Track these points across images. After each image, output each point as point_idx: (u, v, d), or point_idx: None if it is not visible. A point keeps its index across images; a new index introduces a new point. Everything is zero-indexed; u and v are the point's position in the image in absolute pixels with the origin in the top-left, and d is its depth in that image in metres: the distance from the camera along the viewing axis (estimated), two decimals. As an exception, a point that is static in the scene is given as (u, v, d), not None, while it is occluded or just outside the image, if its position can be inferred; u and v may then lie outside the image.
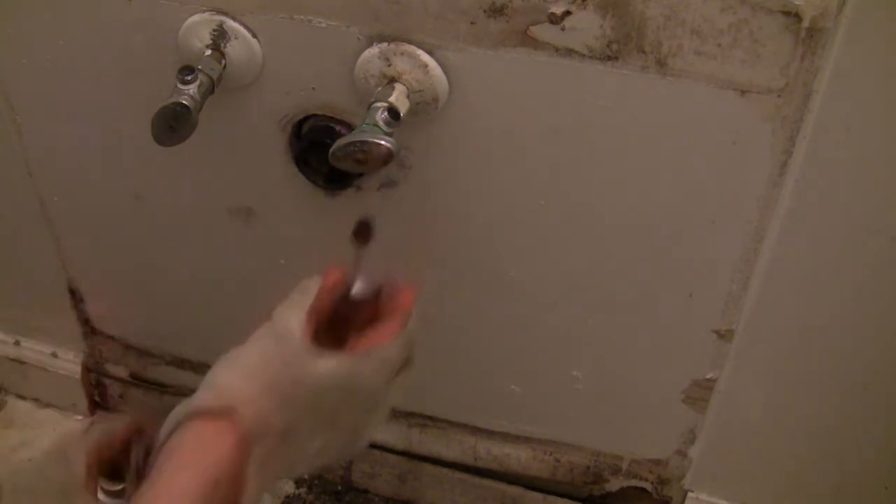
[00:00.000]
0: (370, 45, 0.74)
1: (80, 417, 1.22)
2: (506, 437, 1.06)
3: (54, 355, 1.20)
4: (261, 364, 0.65)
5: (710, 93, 0.69)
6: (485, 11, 0.70)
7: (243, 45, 0.77)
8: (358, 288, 0.73)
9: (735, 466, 1.00)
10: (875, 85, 0.68)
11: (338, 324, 0.72)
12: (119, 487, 0.92)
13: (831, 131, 0.71)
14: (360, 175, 0.85)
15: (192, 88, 0.73)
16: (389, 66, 0.73)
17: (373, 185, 0.86)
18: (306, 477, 1.16)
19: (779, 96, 0.68)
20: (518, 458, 1.07)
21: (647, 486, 1.05)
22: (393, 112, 0.71)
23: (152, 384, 1.18)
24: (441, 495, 1.12)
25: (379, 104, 0.71)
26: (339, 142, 0.71)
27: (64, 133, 0.93)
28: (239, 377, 0.64)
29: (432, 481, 1.12)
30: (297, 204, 0.90)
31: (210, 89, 0.75)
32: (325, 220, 0.91)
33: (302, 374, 0.63)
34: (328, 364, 0.64)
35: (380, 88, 0.73)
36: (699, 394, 0.92)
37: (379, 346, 0.67)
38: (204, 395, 0.62)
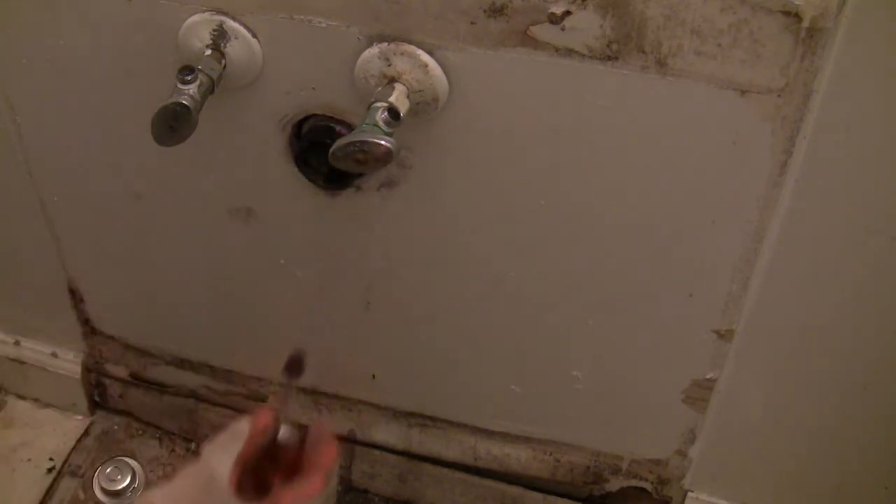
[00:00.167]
0: (370, 45, 0.74)
1: (79, 417, 1.22)
2: (506, 437, 1.06)
3: (54, 355, 1.20)
4: None
5: (710, 93, 0.69)
6: (485, 11, 0.70)
7: (243, 45, 0.77)
8: (284, 433, 0.76)
9: (735, 466, 1.00)
10: (875, 85, 0.68)
11: (263, 468, 0.75)
12: (119, 487, 0.92)
13: (831, 131, 0.71)
14: (360, 175, 0.85)
15: (192, 88, 0.73)
16: (389, 66, 0.73)
17: (373, 185, 0.86)
18: (306, 477, 1.16)
19: (779, 96, 0.68)
20: (518, 458, 1.07)
21: (647, 486, 1.05)
22: (393, 112, 0.71)
23: (152, 384, 1.18)
24: (441, 495, 1.12)
25: (379, 104, 0.71)
26: (339, 142, 0.71)
27: (64, 133, 0.93)
28: None
29: (432, 481, 1.12)
30: (297, 204, 0.90)
31: (210, 89, 0.75)
32: (325, 220, 0.91)
33: None
34: None
35: (380, 88, 0.73)
36: (699, 394, 0.92)
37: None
38: None
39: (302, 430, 0.78)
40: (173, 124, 0.74)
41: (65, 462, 1.17)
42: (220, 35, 0.77)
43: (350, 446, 1.13)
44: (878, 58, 0.66)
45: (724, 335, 0.86)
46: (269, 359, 1.11)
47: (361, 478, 1.14)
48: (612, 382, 0.95)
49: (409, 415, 1.09)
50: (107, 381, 1.21)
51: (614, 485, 1.06)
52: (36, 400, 1.24)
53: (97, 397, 1.22)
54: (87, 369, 1.20)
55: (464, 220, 0.86)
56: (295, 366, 0.81)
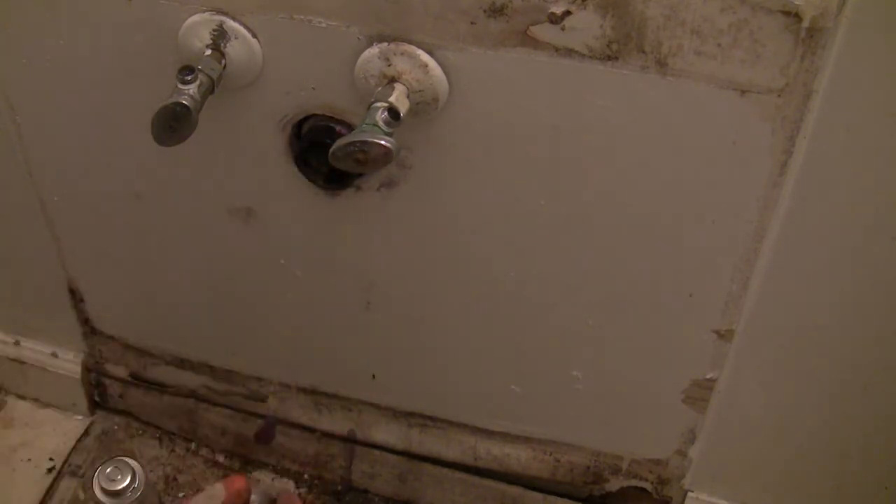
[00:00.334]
0: (370, 45, 0.74)
1: (79, 417, 1.22)
2: (506, 437, 1.06)
3: (54, 355, 1.20)
4: None
5: (710, 93, 0.69)
6: (485, 11, 0.70)
7: (243, 45, 0.77)
8: (256, 499, 0.80)
9: (735, 466, 1.00)
10: (875, 85, 0.68)
11: None
12: (119, 487, 0.92)
13: (831, 131, 0.71)
14: (360, 175, 0.85)
15: (192, 88, 0.73)
16: (389, 66, 0.73)
17: (373, 185, 0.86)
18: (306, 477, 1.16)
19: (779, 96, 0.68)
20: (518, 458, 1.07)
21: (647, 486, 1.05)
22: (393, 112, 0.71)
23: (152, 384, 1.18)
24: (441, 495, 1.12)
25: (379, 104, 0.71)
26: (339, 142, 0.71)
27: (64, 133, 0.93)
28: None
29: (432, 481, 1.12)
30: (297, 204, 0.90)
31: (210, 89, 0.75)
32: (325, 220, 0.91)
33: None
34: None
35: (380, 88, 0.73)
36: (699, 394, 0.92)
37: None
38: None
39: (272, 499, 0.82)
40: (173, 124, 0.74)
41: (65, 462, 1.17)
42: (220, 35, 0.77)
43: (350, 446, 1.13)
44: (878, 58, 0.66)
45: (724, 335, 0.86)
46: (270, 359, 1.11)
47: (361, 478, 1.14)
48: (612, 382, 0.95)
49: (409, 415, 1.09)
50: (107, 381, 1.21)
51: (614, 485, 1.06)
52: (36, 400, 1.24)
53: (97, 397, 1.22)
54: (87, 369, 1.20)
55: (464, 220, 0.86)
56: (266, 433, 0.83)
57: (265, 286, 1.01)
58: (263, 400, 1.14)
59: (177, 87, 0.73)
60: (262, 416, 1.14)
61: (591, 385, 0.96)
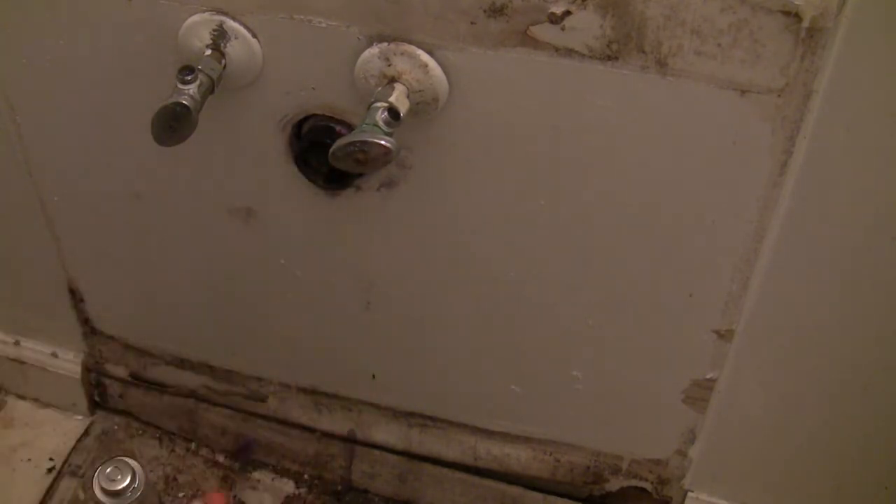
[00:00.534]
0: (370, 45, 0.74)
1: (79, 417, 1.22)
2: (506, 437, 1.06)
3: (54, 355, 1.20)
4: None
5: (710, 93, 0.69)
6: (485, 11, 0.70)
7: (243, 45, 0.77)
8: None
9: (735, 466, 1.00)
10: (875, 85, 0.68)
11: None
12: (119, 487, 0.92)
13: (831, 131, 0.71)
14: (360, 175, 0.85)
15: (192, 88, 0.73)
16: (389, 66, 0.73)
17: (373, 185, 0.86)
18: (306, 477, 1.16)
19: (779, 96, 0.68)
20: (518, 458, 1.07)
21: (647, 486, 1.05)
22: (393, 112, 0.71)
23: (152, 384, 1.18)
24: (441, 495, 1.12)
25: (379, 104, 0.71)
26: (339, 142, 0.71)
27: (64, 133, 0.93)
28: None
29: (432, 481, 1.12)
30: (297, 204, 0.90)
31: (210, 89, 0.75)
32: (325, 220, 0.91)
33: None
34: None
35: (380, 88, 0.73)
36: (699, 394, 0.92)
37: None
38: None
39: None
40: (173, 124, 0.74)
41: (65, 462, 1.17)
42: (220, 35, 0.77)
43: (350, 446, 1.13)
44: (878, 58, 0.66)
45: (724, 335, 0.86)
46: (270, 359, 1.11)
47: (361, 478, 1.14)
48: (612, 382, 0.95)
49: (409, 415, 1.09)
50: (107, 381, 1.21)
51: (614, 485, 1.06)
52: (36, 400, 1.24)
53: (97, 397, 1.22)
54: (87, 369, 1.20)
55: (464, 220, 0.86)
56: (245, 452, 0.83)
57: (265, 286, 1.01)
58: (263, 400, 1.14)
59: (177, 87, 0.73)
60: (262, 417, 1.14)
61: (591, 385, 0.96)
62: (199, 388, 1.16)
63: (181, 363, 1.15)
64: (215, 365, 1.13)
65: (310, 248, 0.95)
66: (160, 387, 1.18)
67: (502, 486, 1.10)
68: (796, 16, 0.63)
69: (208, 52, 0.77)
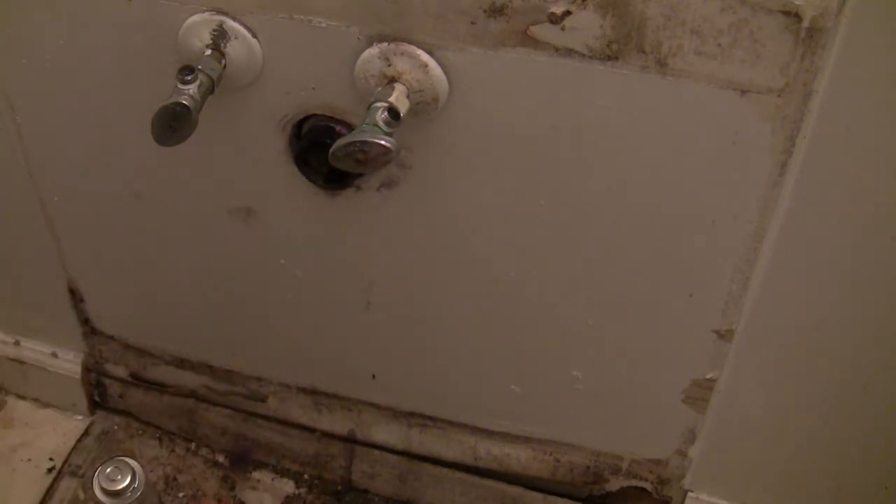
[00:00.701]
0: (370, 45, 0.74)
1: (79, 417, 1.22)
2: (506, 437, 1.06)
3: (54, 355, 1.20)
4: None
5: (710, 93, 0.69)
6: (485, 11, 0.70)
7: (243, 45, 0.77)
8: None
9: (735, 466, 1.00)
10: (875, 85, 0.68)
11: None
12: (119, 487, 0.92)
13: (831, 131, 0.71)
14: (360, 175, 0.85)
15: (192, 88, 0.73)
16: (389, 66, 0.73)
17: (373, 185, 0.86)
18: (306, 477, 1.16)
19: (779, 96, 0.68)
20: (518, 458, 1.07)
21: (647, 486, 1.05)
22: (393, 112, 0.71)
23: (152, 384, 1.18)
24: (441, 495, 1.12)
25: (379, 104, 0.71)
26: (339, 142, 0.71)
27: (64, 133, 0.93)
28: None
29: (432, 481, 1.12)
30: (297, 204, 0.90)
31: (210, 89, 0.75)
32: (325, 220, 0.91)
33: None
34: None
35: (380, 88, 0.73)
36: (699, 394, 0.92)
37: None
38: None
39: None
40: (173, 124, 0.74)
41: (65, 462, 1.17)
42: (220, 35, 0.77)
43: (350, 446, 1.13)
44: (878, 58, 0.66)
45: (724, 335, 0.86)
46: (270, 359, 1.11)
47: (361, 478, 1.14)
48: (612, 382, 0.95)
49: (409, 415, 1.09)
50: (107, 381, 1.21)
51: (614, 485, 1.06)
52: (36, 400, 1.24)
53: (97, 397, 1.22)
54: (87, 369, 1.20)
55: (464, 220, 0.86)
56: (241, 460, 0.82)
57: (265, 286, 1.01)
58: (263, 400, 1.14)
59: (177, 87, 0.73)
60: (262, 417, 1.14)
61: (591, 385, 0.96)
62: (199, 388, 1.16)
63: (181, 363, 1.15)
64: (215, 365, 1.13)
65: (310, 247, 0.95)
66: (160, 387, 1.18)
67: (502, 486, 1.10)
68: (796, 16, 0.63)
69: (208, 52, 0.77)
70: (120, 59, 0.84)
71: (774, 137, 0.70)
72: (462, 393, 1.04)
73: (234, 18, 0.76)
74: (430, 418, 1.08)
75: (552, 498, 1.09)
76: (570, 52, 0.70)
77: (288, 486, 1.15)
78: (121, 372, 1.19)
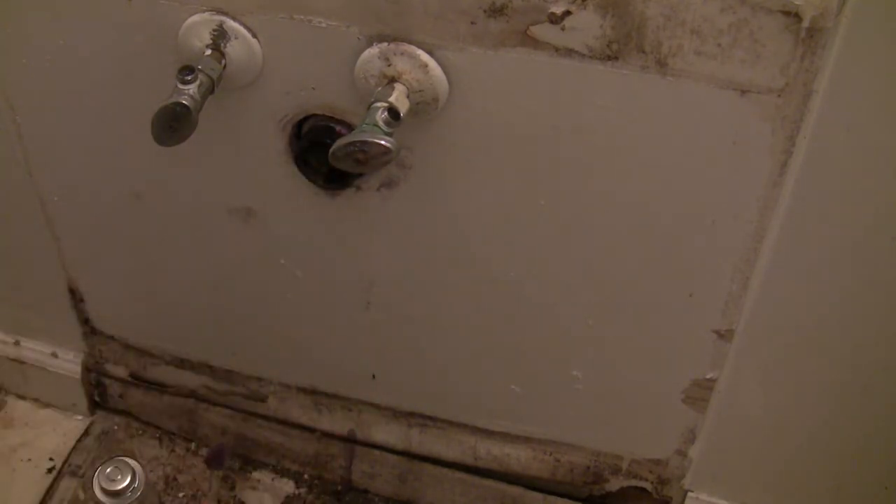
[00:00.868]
0: (370, 45, 0.74)
1: (79, 417, 1.22)
2: (506, 437, 1.06)
3: (54, 355, 1.20)
4: None
5: (710, 93, 0.69)
6: (485, 11, 0.70)
7: (243, 45, 0.77)
8: None
9: (735, 466, 1.00)
10: (875, 85, 0.68)
11: None
12: (119, 487, 0.92)
13: (831, 131, 0.71)
14: (360, 175, 0.85)
15: (192, 88, 0.73)
16: (389, 66, 0.73)
17: (373, 185, 0.86)
18: (306, 477, 1.16)
19: (779, 96, 0.68)
20: (518, 458, 1.07)
21: (647, 486, 1.05)
22: (393, 112, 0.71)
23: (152, 384, 1.18)
24: (441, 495, 1.12)
25: (379, 104, 0.71)
26: (339, 142, 0.71)
27: (64, 133, 0.93)
28: None
29: (432, 481, 1.12)
30: (297, 204, 0.90)
31: (210, 89, 0.75)
32: (325, 219, 0.91)
33: None
34: None
35: (380, 88, 0.73)
36: (699, 394, 0.92)
37: None
38: None
39: None
40: (173, 124, 0.74)
41: (65, 462, 1.17)
42: (220, 35, 0.77)
43: (350, 446, 1.13)
44: (878, 58, 0.66)
45: (724, 335, 0.86)
46: (270, 359, 1.11)
47: (361, 478, 1.14)
48: (612, 382, 0.95)
49: (409, 415, 1.09)
50: (107, 381, 1.21)
51: (614, 485, 1.06)
52: (36, 400, 1.24)
53: (97, 397, 1.22)
54: (87, 369, 1.20)
55: (464, 220, 0.86)
56: (217, 457, 0.82)
57: (265, 286, 1.01)
58: (263, 400, 1.14)
59: (177, 87, 0.73)
60: (262, 417, 1.14)
61: (591, 385, 0.96)
62: (199, 388, 1.16)
63: (181, 363, 1.15)
64: (215, 365, 1.13)
65: (310, 247, 0.95)
66: (160, 387, 1.18)
67: (502, 486, 1.10)
68: (796, 16, 0.63)
69: (208, 52, 0.77)
70: (120, 59, 0.84)
71: (774, 137, 0.70)
72: (462, 393, 1.04)
73: (234, 18, 0.76)
74: (430, 418, 1.08)
75: (552, 498, 1.09)
76: (570, 52, 0.70)
77: (288, 486, 1.15)
78: (121, 372, 1.19)
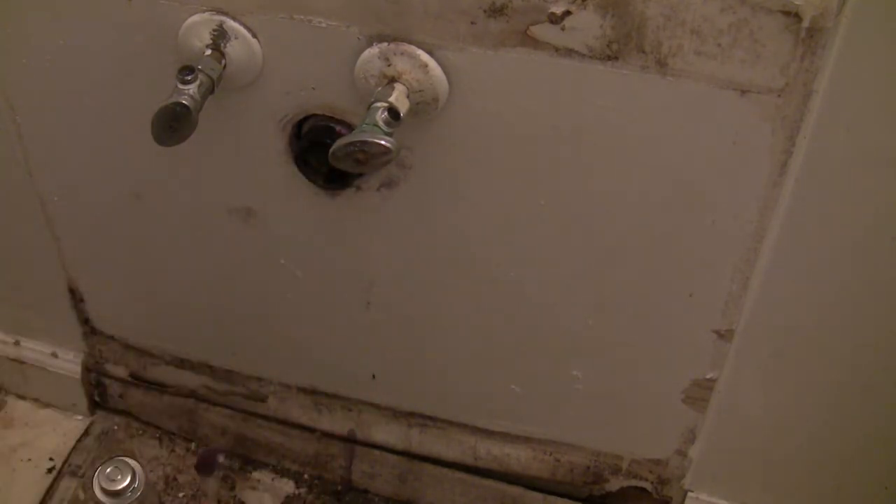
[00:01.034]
0: (370, 45, 0.74)
1: (79, 417, 1.22)
2: (506, 437, 1.06)
3: (54, 355, 1.20)
4: None
5: (710, 93, 0.69)
6: (485, 11, 0.70)
7: (243, 45, 0.77)
8: None
9: (735, 466, 1.00)
10: (875, 85, 0.68)
11: None
12: (119, 487, 0.92)
13: (831, 131, 0.71)
14: (360, 175, 0.85)
15: (192, 88, 0.73)
16: (389, 66, 0.73)
17: (373, 185, 0.86)
18: (306, 477, 1.16)
19: (779, 96, 0.68)
20: (518, 458, 1.07)
21: (647, 486, 1.05)
22: (393, 112, 0.71)
23: (152, 384, 1.18)
24: (441, 495, 1.12)
25: (379, 104, 0.71)
26: (339, 142, 0.71)
27: (64, 133, 0.93)
28: None
29: (432, 481, 1.12)
30: (297, 204, 0.90)
31: (210, 89, 0.75)
32: (325, 219, 0.91)
33: None
34: None
35: (380, 88, 0.73)
36: (699, 394, 0.92)
37: None
38: None
39: None
40: (173, 124, 0.74)
41: (65, 462, 1.17)
42: (220, 35, 0.77)
43: (350, 446, 1.13)
44: (878, 58, 0.66)
45: (724, 335, 0.86)
46: (270, 359, 1.11)
47: (361, 478, 1.14)
48: (612, 382, 0.95)
49: (409, 415, 1.09)
50: (107, 381, 1.21)
51: (614, 485, 1.06)
52: (36, 400, 1.24)
53: (97, 397, 1.22)
54: (87, 369, 1.20)
55: (464, 220, 0.86)
56: (207, 463, 0.82)
57: (265, 286, 1.01)
58: (263, 400, 1.14)
59: (177, 87, 0.73)
60: (262, 417, 1.14)
61: (591, 385, 0.96)
62: (199, 388, 1.16)
63: (181, 363, 1.15)
64: (215, 365, 1.13)
65: (310, 247, 0.95)
66: (160, 387, 1.18)
67: (502, 486, 1.10)
68: (796, 16, 0.63)
69: (208, 52, 0.77)
70: (120, 59, 0.84)
71: (774, 137, 0.70)
72: (462, 393, 1.04)
73: (234, 18, 0.76)
74: (430, 418, 1.08)
75: (552, 498, 1.09)
76: (570, 52, 0.70)
77: (288, 486, 1.15)
78: (121, 372, 1.19)
